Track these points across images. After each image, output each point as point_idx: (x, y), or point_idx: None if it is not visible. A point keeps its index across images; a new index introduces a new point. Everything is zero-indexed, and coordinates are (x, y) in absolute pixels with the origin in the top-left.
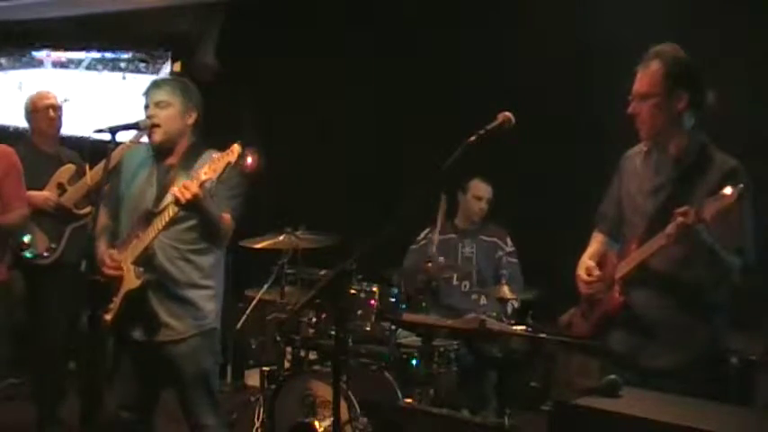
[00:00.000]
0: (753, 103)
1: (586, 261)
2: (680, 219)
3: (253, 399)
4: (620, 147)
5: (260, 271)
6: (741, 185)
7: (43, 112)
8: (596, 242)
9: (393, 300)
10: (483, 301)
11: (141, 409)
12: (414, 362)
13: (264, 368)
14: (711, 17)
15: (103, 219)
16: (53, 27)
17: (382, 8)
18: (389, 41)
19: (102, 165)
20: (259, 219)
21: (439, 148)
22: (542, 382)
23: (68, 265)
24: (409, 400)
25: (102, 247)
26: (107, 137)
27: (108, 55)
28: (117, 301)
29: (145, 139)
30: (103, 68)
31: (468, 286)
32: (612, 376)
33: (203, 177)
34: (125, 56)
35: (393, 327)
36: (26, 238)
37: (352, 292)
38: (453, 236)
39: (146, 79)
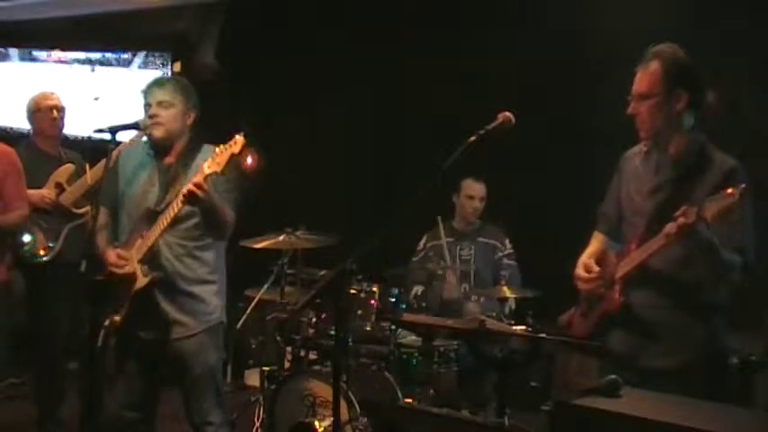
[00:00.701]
0: (753, 103)
1: (585, 260)
2: (681, 219)
3: (253, 399)
4: (619, 147)
5: (260, 271)
6: (743, 185)
7: (46, 113)
8: (596, 242)
9: (393, 300)
10: (482, 301)
11: (145, 409)
12: (414, 362)
13: (264, 368)
14: (712, 17)
15: (103, 218)
16: (53, 27)
17: (382, 8)
18: (389, 41)
19: (101, 164)
20: (259, 219)
21: (439, 149)
22: (542, 382)
23: (67, 265)
24: (409, 400)
25: (103, 247)
26: (107, 136)
27: (108, 55)
28: (126, 301)
29: (144, 138)
30: (104, 68)
31: (466, 288)
32: (612, 376)
33: (207, 171)
34: (125, 56)
35: (393, 327)
36: (26, 238)
37: (352, 292)
38: (451, 239)
39: (145, 77)
